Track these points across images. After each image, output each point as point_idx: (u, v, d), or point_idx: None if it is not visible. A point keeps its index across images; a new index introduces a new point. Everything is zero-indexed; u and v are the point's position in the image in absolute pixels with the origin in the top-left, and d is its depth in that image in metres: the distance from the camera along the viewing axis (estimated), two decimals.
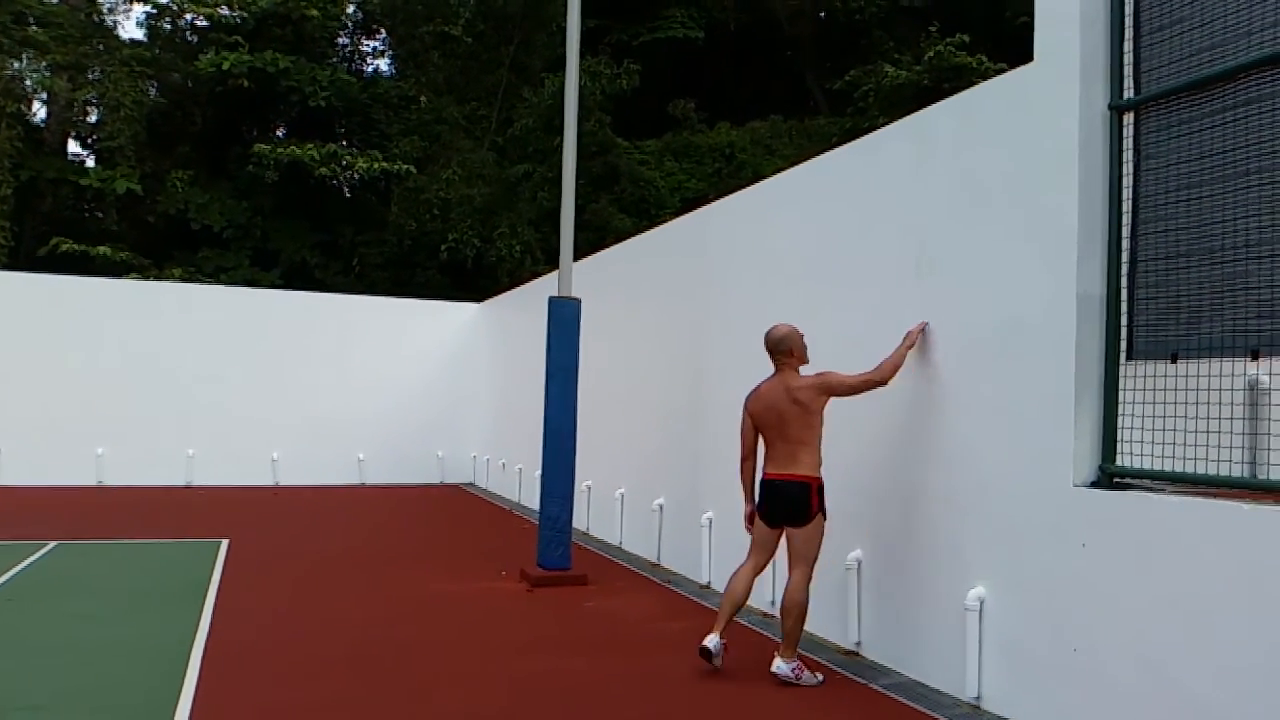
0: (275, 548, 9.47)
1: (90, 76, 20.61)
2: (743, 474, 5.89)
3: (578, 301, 8.47)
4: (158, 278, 18.56)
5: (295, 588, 7.68)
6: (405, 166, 21.03)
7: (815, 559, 5.47)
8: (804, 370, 5.72)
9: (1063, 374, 4.51)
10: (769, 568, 5.96)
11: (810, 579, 5.44)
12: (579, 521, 10.23)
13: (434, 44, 23.83)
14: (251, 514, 12.05)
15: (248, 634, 6.17)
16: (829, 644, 6.21)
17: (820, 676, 5.44)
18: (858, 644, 6.00)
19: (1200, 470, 3.89)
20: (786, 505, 5.49)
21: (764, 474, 5.63)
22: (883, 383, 5.43)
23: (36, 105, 22.19)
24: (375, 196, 22.71)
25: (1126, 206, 4.44)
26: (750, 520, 5.81)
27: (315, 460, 15.59)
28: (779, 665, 5.36)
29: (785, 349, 5.65)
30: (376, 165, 20.76)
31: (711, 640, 5.51)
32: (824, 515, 5.47)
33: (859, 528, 6.06)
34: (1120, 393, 4.37)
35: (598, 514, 10.65)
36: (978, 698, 4.94)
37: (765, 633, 6.52)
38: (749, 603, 7.22)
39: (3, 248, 18.91)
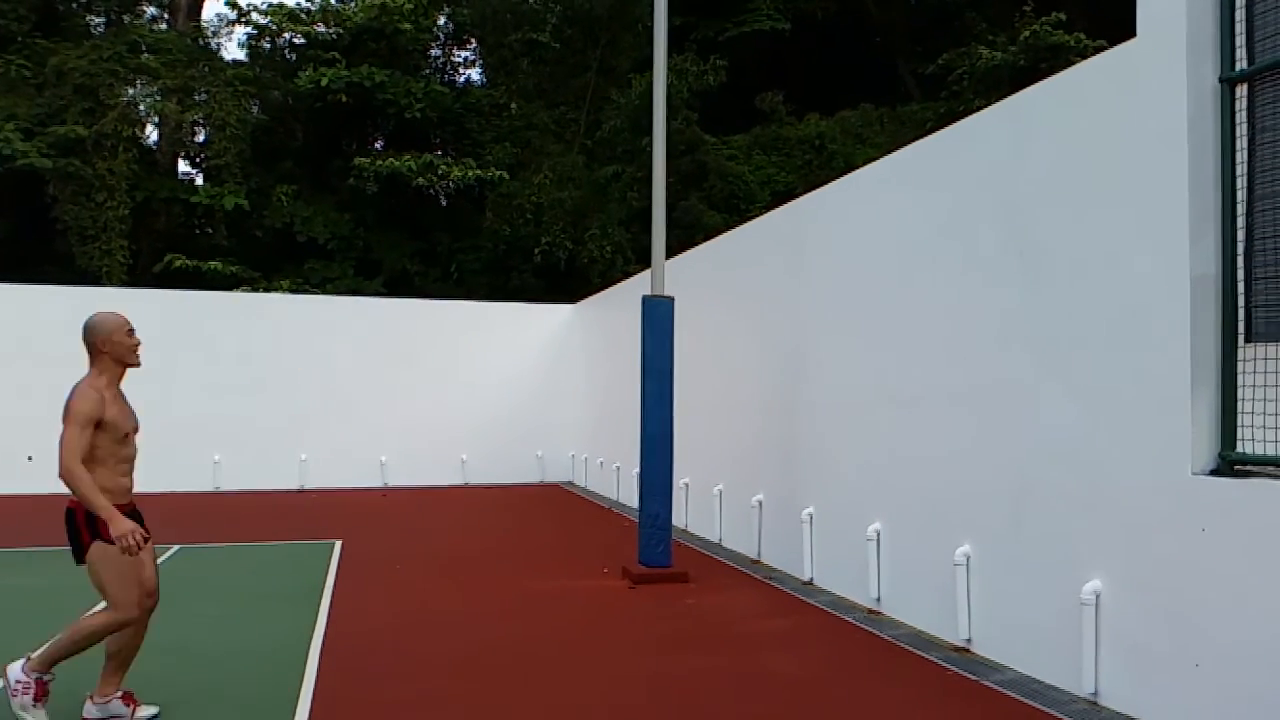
0: (386, 548, 9.75)
1: (197, 98, 21.50)
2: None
3: (671, 300, 8.50)
4: (266, 290, 19.33)
5: (407, 586, 7.89)
6: (498, 173, 21.48)
7: (119, 601, 4.31)
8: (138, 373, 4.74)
9: (1177, 359, 4.36)
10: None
11: (112, 622, 4.34)
12: (678, 518, 10.28)
13: (523, 51, 24.23)
14: (362, 515, 12.42)
15: (363, 633, 6.36)
16: (939, 640, 6.11)
17: (36, 714, 4.29)
18: (968, 640, 5.89)
19: None
20: (68, 536, 4.37)
21: None
22: (62, 471, 4.14)
23: (149, 128, 23.26)
24: (470, 204, 23.16)
25: (1241, 183, 4.26)
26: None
27: (421, 462, 16.02)
28: (12, 668, 4.36)
29: (86, 341, 4.44)
30: (471, 173, 21.27)
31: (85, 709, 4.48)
32: (114, 543, 4.19)
33: (966, 523, 5.95)
34: (1239, 376, 4.20)
35: (696, 511, 10.67)
36: (1095, 693, 4.81)
37: (873, 630, 6.45)
38: (853, 600, 7.22)
39: (122, 265, 19.88)
